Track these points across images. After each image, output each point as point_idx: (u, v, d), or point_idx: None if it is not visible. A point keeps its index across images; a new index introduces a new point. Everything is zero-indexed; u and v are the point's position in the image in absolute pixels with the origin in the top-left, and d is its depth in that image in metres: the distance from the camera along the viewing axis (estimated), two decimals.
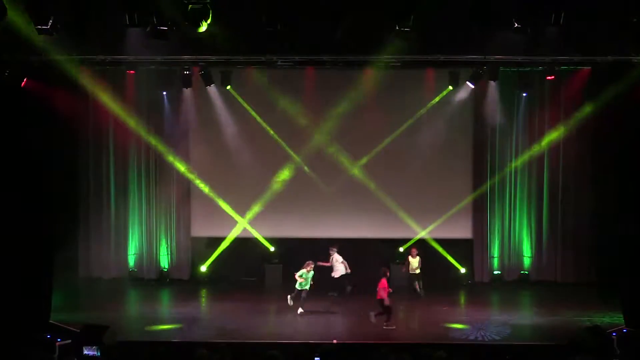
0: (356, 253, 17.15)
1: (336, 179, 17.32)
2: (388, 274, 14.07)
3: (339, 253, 16.04)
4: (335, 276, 15.90)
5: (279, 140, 17.28)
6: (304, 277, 14.54)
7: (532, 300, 16.24)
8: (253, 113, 17.14)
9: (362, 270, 17.18)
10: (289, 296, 14.70)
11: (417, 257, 16.18)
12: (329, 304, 15.36)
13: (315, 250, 16.16)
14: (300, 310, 14.39)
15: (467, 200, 17.53)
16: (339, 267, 15.89)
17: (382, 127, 16.83)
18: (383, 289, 13.69)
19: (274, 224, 17.37)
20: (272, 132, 17.20)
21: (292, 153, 17.31)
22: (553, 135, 17.02)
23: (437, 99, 16.93)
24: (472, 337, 12.99)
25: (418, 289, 16.04)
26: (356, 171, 17.21)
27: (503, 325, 13.77)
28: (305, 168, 17.33)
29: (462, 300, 16.43)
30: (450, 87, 16.57)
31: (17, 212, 13.41)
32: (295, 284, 14.62)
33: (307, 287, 14.53)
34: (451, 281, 17.18)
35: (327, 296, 15.73)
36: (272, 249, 17.54)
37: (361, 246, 17.36)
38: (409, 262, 16.18)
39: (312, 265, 14.68)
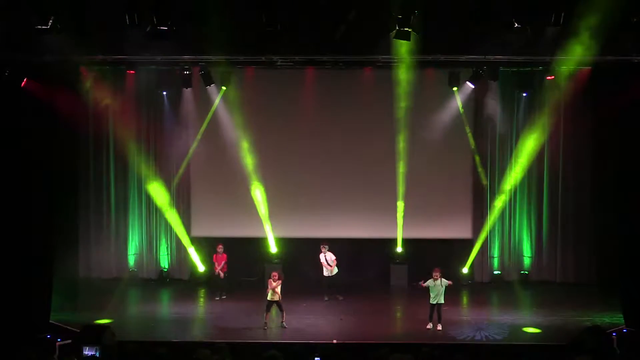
0: (355, 253, 17.22)
1: (336, 178, 17.33)
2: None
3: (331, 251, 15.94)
4: (329, 275, 15.79)
5: (279, 140, 17.28)
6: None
7: (532, 300, 16.22)
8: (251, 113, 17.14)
9: (361, 270, 17.31)
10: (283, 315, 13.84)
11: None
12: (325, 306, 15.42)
13: (315, 250, 16.15)
14: (265, 322, 13.60)
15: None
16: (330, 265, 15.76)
17: (382, 127, 16.82)
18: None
19: (274, 224, 17.35)
20: (271, 131, 17.20)
21: (291, 153, 17.32)
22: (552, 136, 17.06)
23: (460, 107, 17.02)
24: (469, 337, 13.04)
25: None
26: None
27: (503, 325, 13.80)
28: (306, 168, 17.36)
29: (463, 300, 16.41)
30: (455, 88, 16.57)
31: (17, 211, 13.43)
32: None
33: (270, 297, 13.59)
34: (451, 281, 17.13)
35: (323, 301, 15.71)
36: (273, 249, 17.52)
37: (360, 246, 17.39)
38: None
39: (276, 277, 13.65)
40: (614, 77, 14.51)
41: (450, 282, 13.66)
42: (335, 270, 15.80)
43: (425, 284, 13.60)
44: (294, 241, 17.48)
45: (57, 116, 14.40)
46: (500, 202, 17.23)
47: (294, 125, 17.29)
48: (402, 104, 16.10)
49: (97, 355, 10.36)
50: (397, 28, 11.91)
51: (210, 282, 16.71)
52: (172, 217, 17.45)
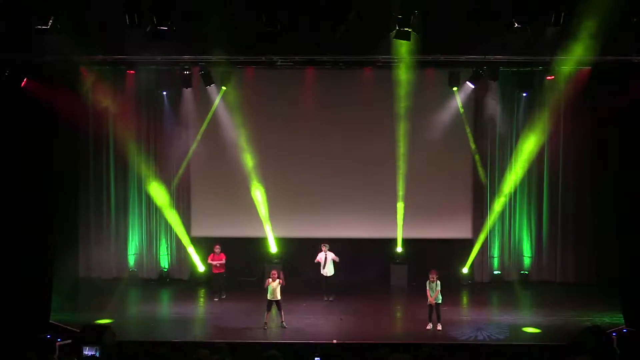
0: (355, 253, 17.20)
1: (336, 178, 17.33)
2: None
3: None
4: (327, 275, 15.79)
5: (279, 140, 17.28)
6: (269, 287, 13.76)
7: (532, 300, 16.22)
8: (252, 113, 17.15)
9: (361, 270, 17.31)
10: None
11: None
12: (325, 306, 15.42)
13: (315, 250, 16.15)
14: (265, 322, 13.64)
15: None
16: (330, 265, 15.73)
17: (382, 127, 16.82)
18: None
19: (274, 224, 17.35)
20: (271, 131, 17.20)
21: (291, 153, 17.33)
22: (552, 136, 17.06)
23: (460, 107, 17.02)
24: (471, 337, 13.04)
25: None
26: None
27: (503, 325, 13.81)
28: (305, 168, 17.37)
29: (463, 300, 16.41)
30: (455, 88, 16.58)
31: (17, 211, 13.43)
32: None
33: (270, 297, 13.71)
34: (451, 281, 17.15)
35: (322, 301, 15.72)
36: (273, 249, 17.52)
37: (360, 246, 17.38)
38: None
39: (276, 275, 13.79)
40: (614, 77, 14.52)
41: (438, 290, 13.58)
42: (332, 271, 15.79)
43: (430, 291, 13.60)
44: (294, 241, 17.49)
45: (57, 116, 14.41)
46: (500, 202, 17.23)
47: (294, 125, 17.29)
48: (402, 104, 16.10)
49: (97, 355, 10.37)
50: (397, 28, 11.92)
51: (210, 282, 16.70)
52: (172, 217, 17.47)
